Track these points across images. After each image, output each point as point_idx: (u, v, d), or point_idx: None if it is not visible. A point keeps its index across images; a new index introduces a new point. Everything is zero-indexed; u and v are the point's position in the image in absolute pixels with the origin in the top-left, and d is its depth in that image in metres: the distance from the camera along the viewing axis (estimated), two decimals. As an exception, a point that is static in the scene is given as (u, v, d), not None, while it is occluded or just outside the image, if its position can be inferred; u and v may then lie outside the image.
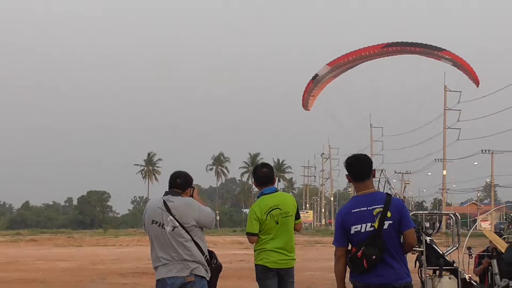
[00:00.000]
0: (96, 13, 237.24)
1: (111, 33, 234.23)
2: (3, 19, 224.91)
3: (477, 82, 19.40)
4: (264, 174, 8.10)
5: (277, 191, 8.13)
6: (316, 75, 19.22)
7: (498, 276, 10.89)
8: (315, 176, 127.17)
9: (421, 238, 9.96)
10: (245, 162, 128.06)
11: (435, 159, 78.27)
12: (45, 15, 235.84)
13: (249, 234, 7.98)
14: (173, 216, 6.77)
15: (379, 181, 11.39)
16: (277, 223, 7.85)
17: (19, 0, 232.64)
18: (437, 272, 10.17)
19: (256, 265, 8.01)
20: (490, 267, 11.54)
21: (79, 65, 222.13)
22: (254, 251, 8.03)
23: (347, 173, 5.84)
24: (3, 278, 20.08)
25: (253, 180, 8.69)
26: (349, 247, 5.67)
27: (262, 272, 7.93)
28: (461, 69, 19.11)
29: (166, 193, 6.95)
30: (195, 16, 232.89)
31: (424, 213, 11.84)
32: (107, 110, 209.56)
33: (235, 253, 30.42)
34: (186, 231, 6.78)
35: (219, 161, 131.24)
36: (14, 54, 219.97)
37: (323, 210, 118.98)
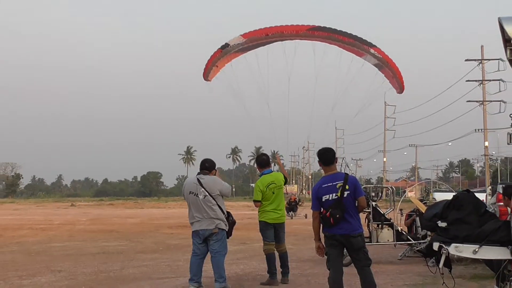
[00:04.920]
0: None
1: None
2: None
3: (402, 88, 12.55)
4: (263, 161, 8.11)
5: (272, 171, 8.12)
6: (227, 44, 12.12)
7: (419, 228, 10.91)
8: (298, 162, 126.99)
9: (369, 203, 9.97)
10: (252, 152, 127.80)
11: (378, 151, 78.13)
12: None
13: (255, 201, 7.97)
14: (204, 188, 6.80)
15: (341, 165, 11.35)
16: (273, 193, 7.84)
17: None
18: (380, 225, 10.21)
19: (259, 221, 8.00)
20: (414, 222, 11.57)
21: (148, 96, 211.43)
22: (258, 212, 8.02)
23: (318, 160, 5.83)
24: (91, 229, 20.22)
25: (256, 164, 8.67)
26: (322, 210, 5.65)
27: (263, 225, 7.92)
28: (385, 71, 12.18)
29: (198, 173, 7.00)
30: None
31: (371, 186, 11.87)
32: (158, 117, 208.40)
33: (245, 213, 30.37)
34: (213, 198, 6.81)
35: (234, 151, 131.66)
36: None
37: (304, 184, 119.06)
